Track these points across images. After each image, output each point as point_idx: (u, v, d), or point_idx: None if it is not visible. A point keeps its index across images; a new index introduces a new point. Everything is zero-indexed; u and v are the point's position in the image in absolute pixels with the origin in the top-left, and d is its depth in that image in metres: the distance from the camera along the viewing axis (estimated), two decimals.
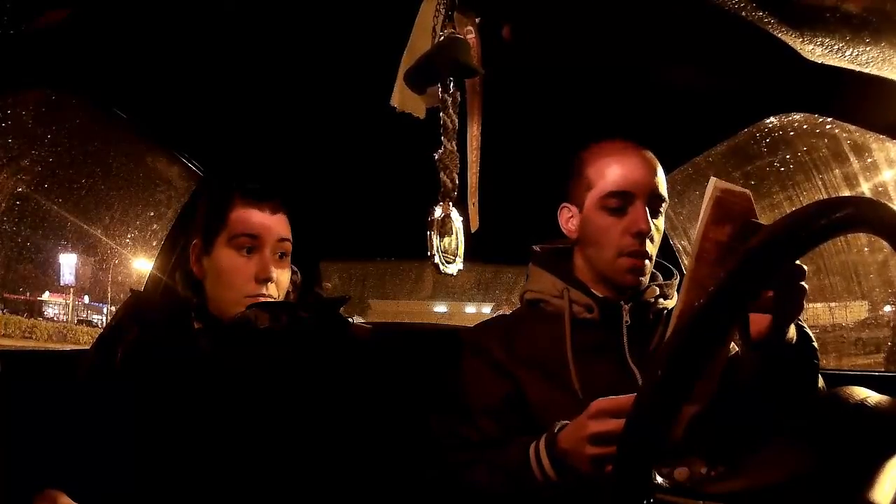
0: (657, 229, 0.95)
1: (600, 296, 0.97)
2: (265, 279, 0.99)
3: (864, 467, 0.44)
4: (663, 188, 0.96)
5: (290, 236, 1.04)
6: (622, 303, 0.96)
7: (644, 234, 0.92)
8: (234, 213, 1.00)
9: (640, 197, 0.93)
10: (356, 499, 0.98)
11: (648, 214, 0.93)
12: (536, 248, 1.09)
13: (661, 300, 0.99)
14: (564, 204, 1.03)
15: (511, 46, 0.90)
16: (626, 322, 0.95)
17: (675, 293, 1.02)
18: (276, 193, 1.04)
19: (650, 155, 0.97)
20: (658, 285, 1.00)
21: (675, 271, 1.04)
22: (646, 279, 0.97)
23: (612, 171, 0.95)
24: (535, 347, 0.96)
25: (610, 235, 0.94)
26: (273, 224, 1.01)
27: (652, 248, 0.95)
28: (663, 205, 0.96)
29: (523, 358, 0.95)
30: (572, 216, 1.01)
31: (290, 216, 1.07)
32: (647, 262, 0.95)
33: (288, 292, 1.08)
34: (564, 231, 1.03)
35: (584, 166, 0.99)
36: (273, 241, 1.01)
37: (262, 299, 0.98)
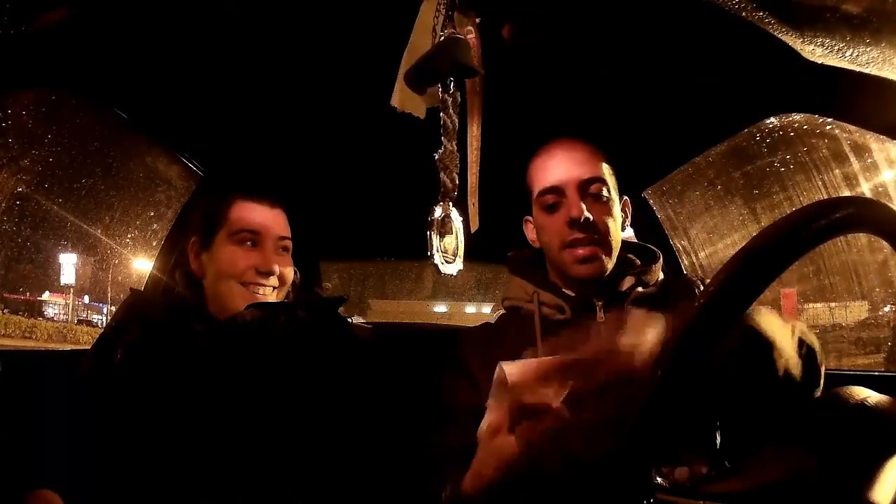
0: (606, 212, 0.93)
1: (572, 295, 0.96)
2: (267, 272, 0.99)
3: (864, 467, 0.44)
4: (598, 170, 0.94)
5: (289, 235, 1.05)
6: (594, 299, 0.95)
7: (577, 221, 0.90)
8: (234, 210, 1.01)
9: (570, 186, 0.93)
10: (356, 498, 0.98)
11: (581, 201, 0.92)
12: (510, 254, 1.09)
13: (638, 289, 0.96)
14: (526, 217, 1.05)
15: (511, 47, 0.90)
16: (601, 319, 0.93)
17: (660, 276, 1.01)
18: (274, 191, 1.05)
19: (577, 143, 0.97)
20: (634, 273, 0.97)
21: (658, 252, 1.03)
22: (606, 265, 0.94)
23: (540, 171, 0.97)
24: (513, 354, 0.95)
25: (551, 232, 0.95)
26: (272, 221, 1.02)
27: (601, 233, 0.92)
28: (603, 187, 0.94)
29: None
30: (533, 227, 1.03)
31: (290, 215, 1.07)
32: (595, 248, 0.92)
33: (287, 292, 1.08)
34: (530, 243, 1.05)
35: (527, 178, 1.01)
36: (274, 239, 1.02)
37: (260, 289, 0.99)
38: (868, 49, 0.78)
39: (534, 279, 1.00)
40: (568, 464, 0.63)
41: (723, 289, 0.44)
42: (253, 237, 1.00)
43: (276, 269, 1.00)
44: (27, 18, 0.85)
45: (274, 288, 1.02)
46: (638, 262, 1.01)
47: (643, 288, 0.97)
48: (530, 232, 1.05)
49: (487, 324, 1.11)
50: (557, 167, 0.95)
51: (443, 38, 0.75)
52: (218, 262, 1.00)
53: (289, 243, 1.05)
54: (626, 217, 1.02)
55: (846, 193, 1.46)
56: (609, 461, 0.50)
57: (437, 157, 0.79)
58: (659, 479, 0.50)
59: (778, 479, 0.46)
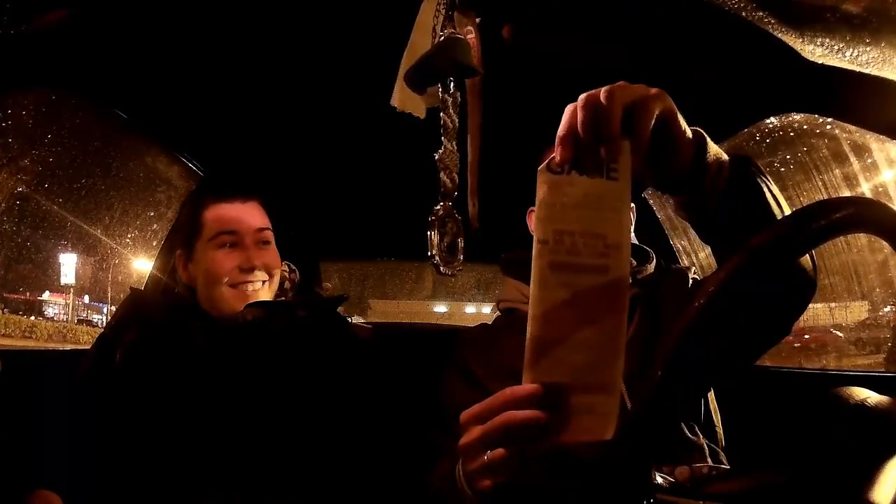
0: None
1: None
2: (249, 268, 0.99)
3: (864, 467, 0.44)
4: None
5: (268, 225, 1.05)
6: None
7: None
8: (208, 215, 1.01)
9: None
10: (355, 497, 0.98)
11: None
12: (503, 255, 1.08)
13: (633, 289, 0.96)
14: (531, 208, 1.03)
15: (511, 46, 0.90)
16: None
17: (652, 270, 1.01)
18: (244, 186, 1.05)
19: None
20: (630, 273, 0.98)
21: (652, 253, 1.03)
22: None
23: None
24: (510, 356, 0.94)
25: None
26: (246, 216, 1.02)
27: None
28: None
29: (498, 369, 0.93)
30: None
31: (290, 215, 1.07)
32: None
33: (286, 290, 1.08)
34: (532, 233, 1.03)
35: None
36: (252, 233, 1.01)
37: (249, 286, 0.99)
38: (868, 49, 0.78)
39: (529, 279, 0.99)
40: (566, 463, 0.63)
41: (723, 288, 0.44)
42: (230, 237, 1.00)
43: (259, 263, 1.00)
44: (27, 18, 0.85)
45: (263, 282, 1.01)
46: (634, 262, 1.01)
47: (635, 287, 0.97)
48: (533, 223, 1.03)
49: (485, 324, 1.10)
50: None
51: (443, 38, 0.75)
52: (203, 270, 1.00)
53: (268, 234, 1.04)
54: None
55: (846, 193, 1.46)
56: (609, 461, 0.50)
57: (437, 157, 0.79)
58: (659, 479, 0.50)
59: (778, 479, 0.46)
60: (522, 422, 0.49)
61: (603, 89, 0.52)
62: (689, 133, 0.58)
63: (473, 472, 0.59)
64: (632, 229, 1.02)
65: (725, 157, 0.63)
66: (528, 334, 0.52)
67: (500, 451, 0.52)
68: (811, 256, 0.67)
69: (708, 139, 0.61)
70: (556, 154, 0.52)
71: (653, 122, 0.52)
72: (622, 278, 0.50)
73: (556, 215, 0.51)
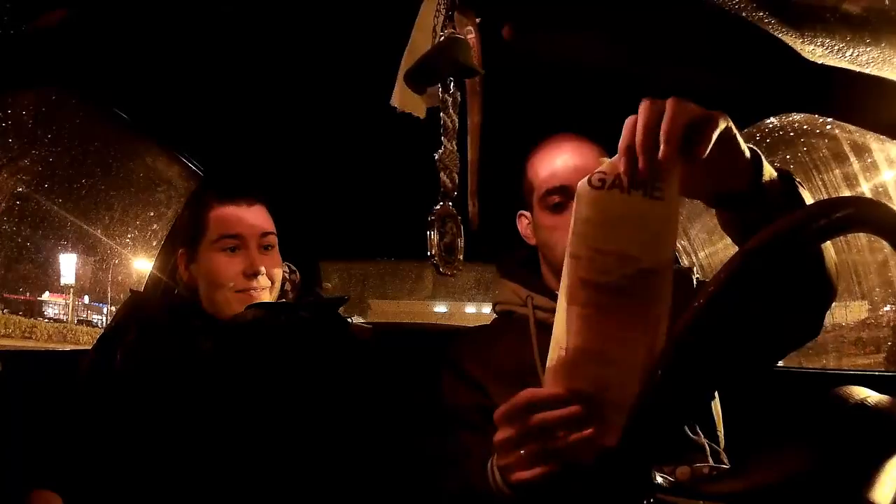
0: None
1: None
2: (253, 273, 0.99)
3: (864, 467, 0.44)
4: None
5: (272, 229, 1.04)
6: None
7: None
8: (212, 217, 1.01)
9: None
10: (355, 497, 0.98)
11: None
12: (503, 257, 1.07)
13: None
14: (521, 212, 1.02)
15: (511, 46, 0.90)
16: None
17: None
18: (249, 189, 1.04)
19: (584, 141, 0.94)
20: None
21: None
22: None
23: (546, 169, 0.93)
24: (507, 358, 0.93)
25: (558, 235, 0.91)
26: (252, 219, 1.01)
27: None
28: None
29: (496, 370, 0.93)
30: (528, 223, 1.00)
31: (290, 216, 1.07)
32: None
33: (286, 291, 1.08)
34: (524, 238, 1.02)
35: (526, 171, 0.98)
36: (256, 237, 1.01)
37: (253, 292, 0.99)
38: (868, 49, 0.78)
39: (526, 282, 0.98)
40: (568, 463, 0.63)
41: (723, 289, 0.44)
42: (234, 241, 0.99)
43: (263, 269, 1.00)
44: (27, 18, 0.85)
45: (266, 287, 1.01)
46: None
47: None
48: (525, 228, 1.02)
49: (482, 326, 1.10)
50: (566, 165, 0.92)
51: (443, 38, 0.75)
52: (206, 273, 1.00)
53: (273, 238, 1.03)
54: None
55: (846, 193, 1.46)
56: (609, 461, 0.50)
57: (437, 157, 0.79)
58: (659, 479, 0.50)
59: (778, 479, 0.46)
60: (557, 419, 0.54)
61: (667, 107, 0.52)
62: (747, 153, 0.59)
63: (508, 466, 0.63)
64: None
65: (774, 173, 0.63)
66: (552, 338, 0.53)
67: (533, 446, 0.58)
68: (829, 258, 0.67)
69: (763, 159, 0.62)
70: (620, 167, 0.51)
71: (713, 142, 0.52)
72: (653, 301, 0.50)
73: (592, 232, 0.51)
